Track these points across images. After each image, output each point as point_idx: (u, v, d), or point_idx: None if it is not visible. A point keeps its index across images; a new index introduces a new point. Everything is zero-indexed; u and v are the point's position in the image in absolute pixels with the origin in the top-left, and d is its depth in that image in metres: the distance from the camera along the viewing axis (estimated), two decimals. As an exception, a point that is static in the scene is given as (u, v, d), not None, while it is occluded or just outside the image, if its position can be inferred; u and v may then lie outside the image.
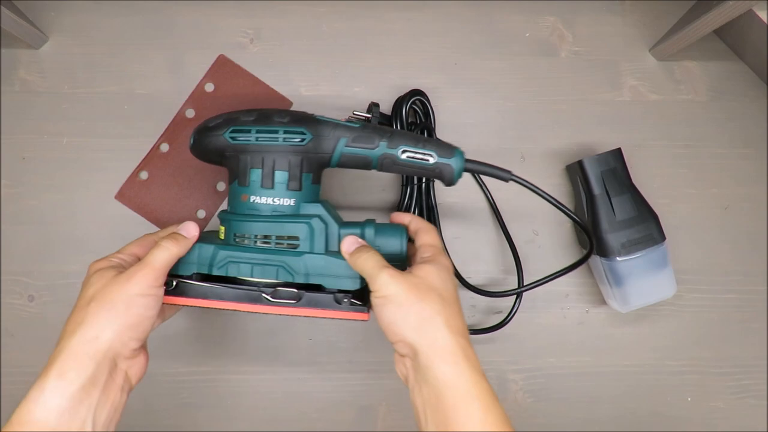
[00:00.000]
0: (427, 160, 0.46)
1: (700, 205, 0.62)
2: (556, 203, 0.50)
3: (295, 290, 0.44)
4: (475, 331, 0.57)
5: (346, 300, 0.44)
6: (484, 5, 0.63)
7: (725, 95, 0.63)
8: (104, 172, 0.59)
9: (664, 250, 0.56)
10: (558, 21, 0.64)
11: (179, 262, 0.43)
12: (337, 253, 0.44)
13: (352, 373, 0.59)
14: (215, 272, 0.44)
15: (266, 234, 0.44)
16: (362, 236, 0.46)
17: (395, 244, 0.46)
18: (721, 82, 0.64)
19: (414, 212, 0.56)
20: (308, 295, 0.44)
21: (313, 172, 0.46)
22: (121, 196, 0.59)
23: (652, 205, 0.57)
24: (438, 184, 0.58)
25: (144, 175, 0.60)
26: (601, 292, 0.60)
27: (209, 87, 0.61)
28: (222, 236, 0.47)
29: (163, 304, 0.43)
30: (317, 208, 0.46)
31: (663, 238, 0.56)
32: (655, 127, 0.63)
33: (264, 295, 0.43)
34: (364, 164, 0.47)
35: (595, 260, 0.58)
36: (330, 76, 0.62)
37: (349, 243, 0.44)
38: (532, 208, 0.61)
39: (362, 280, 0.44)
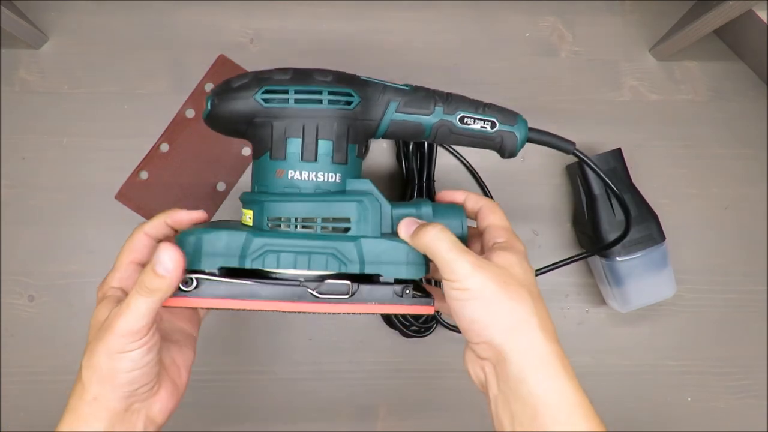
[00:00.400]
0: (487, 128, 0.41)
1: (700, 205, 0.62)
2: (613, 187, 0.47)
3: (348, 282, 0.36)
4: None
5: (408, 291, 0.37)
6: (484, 5, 0.63)
7: (725, 95, 0.64)
8: (104, 172, 0.59)
9: (664, 250, 0.56)
10: (558, 21, 0.64)
11: (199, 254, 0.35)
12: (395, 236, 0.37)
13: (352, 373, 0.59)
14: (249, 265, 0.35)
15: (310, 216, 0.37)
16: (419, 216, 0.39)
17: (456, 227, 0.39)
18: (721, 82, 0.64)
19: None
20: (364, 288, 0.36)
21: (358, 143, 0.39)
22: (121, 196, 0.59)
23: (652, 205, 0.57)
24: (438, 184, 0.58)
25: (144, 175, 0.60)
26: (601, 292, 0.60)
27: (209, 87, 0.61)
28: (250, 222, 0.39)
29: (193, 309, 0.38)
30: (366, 184, 0.38)
31: (663, 238, 0.56)
32: (655, 127, 0.63)
33: (309, 290, 0.36)
34: (416, 133, 0.40)
35: (595, 260, 0.58)
36: (330, 76, 0.62)
37: (409, 223, 0.37)
38: (532, 207, 0.61)
39: (428, 266, 0.38)
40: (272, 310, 0.36)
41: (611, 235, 0.55)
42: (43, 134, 0.59)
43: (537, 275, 0.52)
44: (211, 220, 0.60)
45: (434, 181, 0.57)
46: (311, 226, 0.37)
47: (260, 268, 0.36)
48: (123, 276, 0.38)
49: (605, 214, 0.56)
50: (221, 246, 0.35)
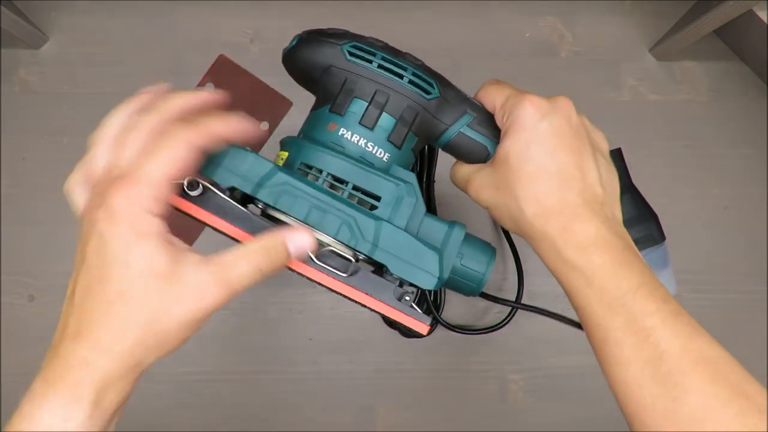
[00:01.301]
0: None
1: (700, 205, 0.62)
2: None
3: (351, 259, 0.33)
4: (474, 331, 0.57)
5: (408, 298, 0.34)
6: (484, 5, 0.63)
7: (725, 95, 0.63)
8: (104, 172, 0.59)
9: (664, 250, 0.56)
10: (558, 21, 0.64)
11: (212, 163, 0.32)
12: (420, 238, 0.35)
13: (352, 373, 0.59)
14: (261, 195, 0.33)
15: (343, 177, 0.34)
16: (449, 236, 0.37)
17: (480, 264, 0.37)
18: (721, 82, 0.64)
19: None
20: (364, 274, 0.34)
21: (419, 138, 0.38)
22: (121, 196, 0.59)
23: (652, 205, 0.57)
24: (439, 185, 0.58)
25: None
26: (601, 292, 0.60)
27: (209, 87, 0.61)
28: (280, 163, 0.36)
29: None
30: (410, 177, 0.36)
31: (663, 238, 0.56)
32: (655, 127, 0.63)
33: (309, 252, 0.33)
34: (477, 154, 0.38)
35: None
36: (330, 76, 0.62)
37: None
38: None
39: (439, 282, 0.35)
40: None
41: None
42: (43, 134, 0.59)
43: (529, 310, 0.53)
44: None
45: (434, 182, 0.57)
46: (340, 188, 0.35)
47: (270, 204, 0.33)
48: (161, 197, 0.28)
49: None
50: (244, 167, 0.33)
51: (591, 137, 0.35)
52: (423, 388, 0.59)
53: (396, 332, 0.59)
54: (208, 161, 0.32)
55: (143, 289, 0.26)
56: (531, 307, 0.55)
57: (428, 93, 0.36)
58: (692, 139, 0.63)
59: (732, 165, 0.63)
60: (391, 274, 0.34)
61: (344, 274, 0.33)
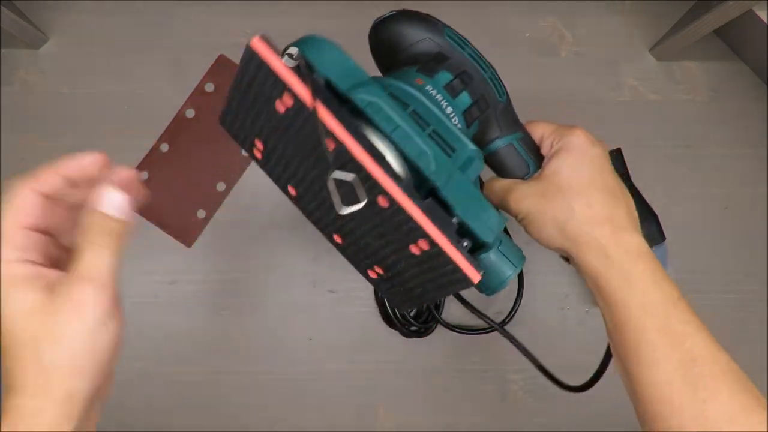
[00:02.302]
0: None
1: (700, 205, 0.62)
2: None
3: (411, 176, 0.32)
4: (474, 332, 0.57)
5: (466, 244, 0.32)
6: (484, 5, 0.63)
7: (725, 95, 0.63)
8: (104, 172, 0.59)
9: (664, 250, 0.56)
10: (558, 21, 0.64)
11: (321, 54, 0.31)
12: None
13: (352, 373, 0.59)
14: (353, 95, 0.31)
15: (426, 117, 0.34)
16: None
17: (515, 257, 0.36)
18: (721, 82, 0.64)
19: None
20: (433, 205, 0.30)
21: (479, 131, 0.41)
22: (121, 196, 0.59)
23: (652, 205, 0.57)
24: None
25: (144, 175, 0.60)
26: (601, 292, 0.60)
27: (209, 87, 0.61)
28: None
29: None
30: (477, 151, 0.36)
31: (663, 238, 0.56)
32: (655, 127, 0.63)
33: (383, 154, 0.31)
34: (518, 169, 0.41)
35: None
36: (330, 76, 0.62)
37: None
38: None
39: (496, 241, 0.34)
40: (341, 146, 0.28)
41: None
42: (43, 134, 0.59)
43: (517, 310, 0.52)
44: (210, 219, 0.60)
45: None
46: (423, 126, 0.34)
47: (362, 108, 0.31)
48: (19, 245, 0.28)
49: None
50: (343, 66, 0.31)
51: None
52: (423, 388, 0.59)
53: (396, 332, 0.59)
54: (311, 47, 0.31)
55: (28, 328, 0.26)
56: (512, 338, 0.53)
57: (500, 95, 0.40)
58: (692, 139, 0.63)
59: (732, 165, 0.63)
60: (453, 217, 0.31)
61: (412, 189, 0.29)
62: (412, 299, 0.35)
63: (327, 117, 0.28)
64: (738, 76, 0.64)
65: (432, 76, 0.38)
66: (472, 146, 0.35)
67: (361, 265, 0.36)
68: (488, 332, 0.57)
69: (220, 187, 0.60)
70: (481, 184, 0.41)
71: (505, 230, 0.50)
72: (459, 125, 0.38)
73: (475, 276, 0.30)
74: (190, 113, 0.60)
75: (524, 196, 0.38)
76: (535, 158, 0.40)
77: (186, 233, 0.59)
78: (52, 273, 0.28)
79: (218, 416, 0.58)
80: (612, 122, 0.62)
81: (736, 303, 0.61)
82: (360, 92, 0.31)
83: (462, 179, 0.32)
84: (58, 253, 0.30)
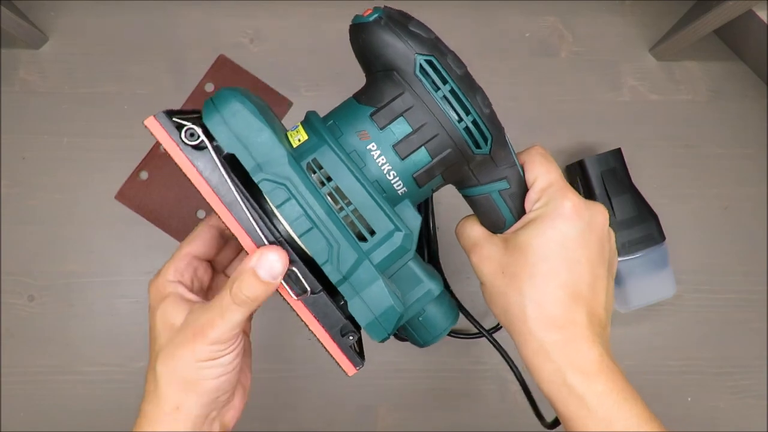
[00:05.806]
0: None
1: (700, 205, 0.62)
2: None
3: (319, 286, 0.32)
4: (461, 336, 0.57)
5: (352, 338, 0.33)
6: (484, 5, 0.63)
7: (725, 95, 0.63)
8: (104, 172, 0.59)
9: (664, 250, 0.56)
10: (558, 21, 0.64)
11: (227, 124, 0.30)
12: (391, 286, 0.33)
13: (352, 373, 0.59)
14: (257, 178, 0.30)
15: (348, 197, 0.31)
16: (422, 290, 0.36)
17: (436, 328, 0.37)
18: (721, 82, 0.64)
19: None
20: (322, 298, 0.32)
21: (444, 181, 0.35)
22: (121, 196, 0.59)
23: (652, 205, 0.57)
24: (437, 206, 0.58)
25: (144, 175, 0.60)
26: (601, 292, 0.60)
27: (209, 87, 0.61)
28: (294, 144, 0.33)
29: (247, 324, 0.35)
30: (416, 222, 0.34)
31: (663, 238, 0.56)
32: (655, 127, 0.63)
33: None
34: (493, 221, 0.36)
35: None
36: (330, 76, 0.62)
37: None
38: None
39: (387, 338, 0.34)
40: (229, 229, 0.31)
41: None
42: (43, 134, 0.59)
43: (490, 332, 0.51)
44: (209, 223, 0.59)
45: (437, 228, 0.55)
46: (340, 204, 0.31)
47: (263, 192, 0.30)
48: (180, 267, 0.34)
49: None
50: (255, 140, 0.30)
51: (610, 255, 0.34)
52: (423, 388, 0.59)
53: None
54: (218, 111, 0.30)
55: (165, 340, 0.32)
56: (498, 346, 0.52)
57: (478, 147, 0.33)
58: (692, 139, 0.63)
59: (732, 165, 0.63)
60: (346, 307, 0.32)
61: (305, 295, 0.32)
62: None
63: (217, 206, 0.30)
64: (738, 76, 0.64)
65: (382, 127, 0.32)
66: (396, 228, 0.32)
67: None
68: (476, 338, 0.57)
69: (220, 187, 0.60)
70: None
71: (446, 284, 0.50)
72: (403, 190, 0.33)
73: (351, 370, 0.33)
74: (190, 113, 0.60)
75: (486, 258, 0.34)
76: (518, 211, 0.35)
77: (186, 233, 0.59)
78: (190, 295, 0.34)
79: (218, 416, 0.58)
80: (612, 122, 0.62)
81: (736, 303, 0.61)
82: (264, 173, 0.29)
83: (367, 272, 0.31)
84: (209, 279, 0.37)
